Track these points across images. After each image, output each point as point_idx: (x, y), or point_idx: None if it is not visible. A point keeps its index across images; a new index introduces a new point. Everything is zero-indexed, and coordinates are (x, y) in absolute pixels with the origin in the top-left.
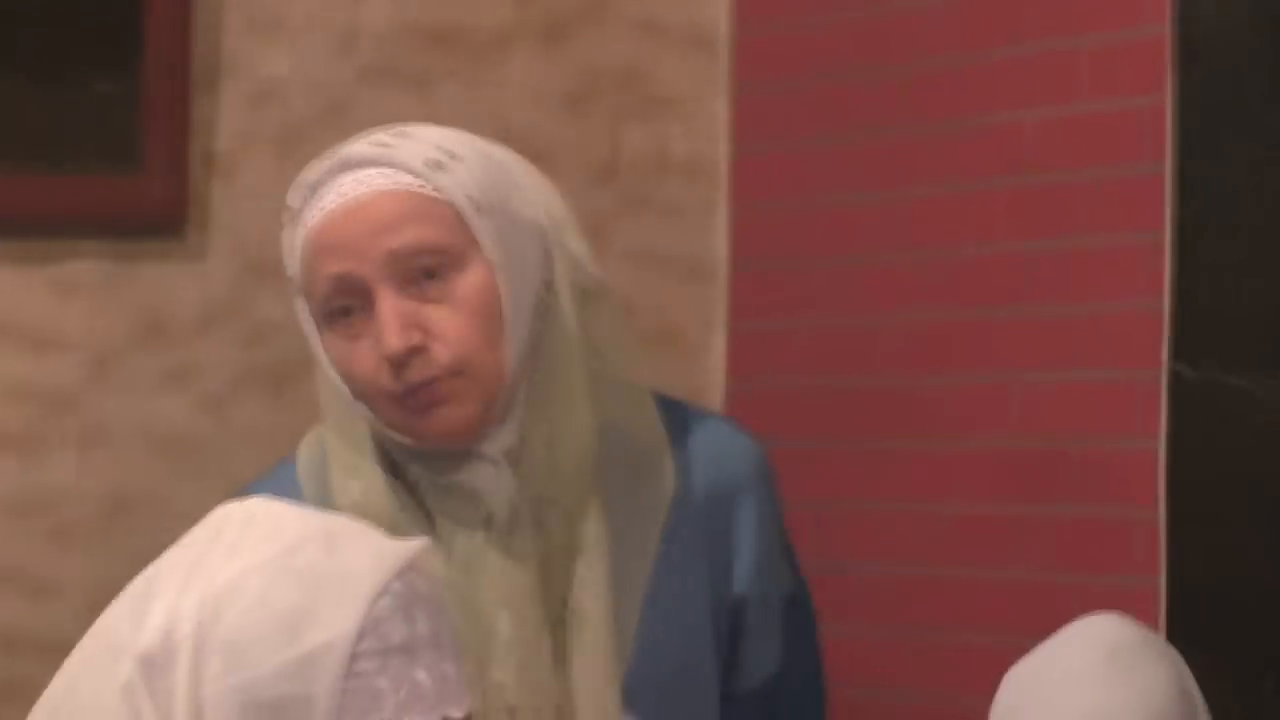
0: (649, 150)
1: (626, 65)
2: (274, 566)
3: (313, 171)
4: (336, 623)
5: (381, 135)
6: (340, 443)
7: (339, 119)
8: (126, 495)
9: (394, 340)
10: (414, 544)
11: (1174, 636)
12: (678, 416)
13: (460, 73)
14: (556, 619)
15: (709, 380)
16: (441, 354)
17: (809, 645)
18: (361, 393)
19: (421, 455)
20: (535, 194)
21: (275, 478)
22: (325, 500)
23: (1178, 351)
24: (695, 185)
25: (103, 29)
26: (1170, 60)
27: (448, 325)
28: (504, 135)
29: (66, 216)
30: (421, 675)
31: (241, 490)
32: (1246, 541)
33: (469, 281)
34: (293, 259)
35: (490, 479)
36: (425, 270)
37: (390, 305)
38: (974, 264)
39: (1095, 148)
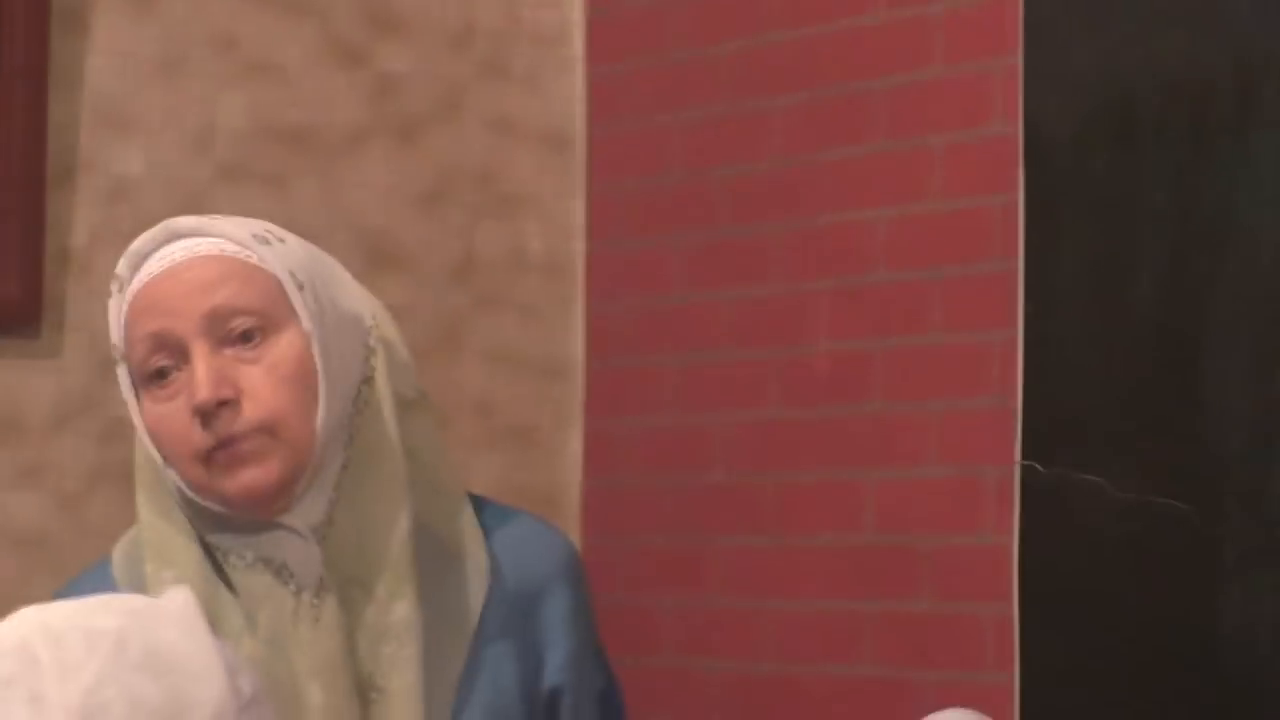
0: (505, 248)
1: (481, 164)
2: (117, 670)
3: (140, 242)
4: (209, 697)
5: (201, 216)
6: (154, 529)
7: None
8: None
9: (205, 391)
10: (186, 597)
11: None
12: (491, 515)
13: (316, 171)
14: (363, 697)
15: (565, 477)
16: (250, 411)
17: None
18: (171, 455)
19: (229, 525)
20: (359, 294)
21: (90, 578)
22: (139, 589)
23: (1029, 448)
24: (551, 283)
25: None
26: (1020, 159)
27: (259, 385)
28: (360, 233)
29: None
30: (269, 715)
31: (58, 593)
32: (1099, 634)
33: (283, 347)
34: (117, 326)
35: (298, 551)
36: (242, 333)
37: (204, 360)
38: (826, 361)
39: (946, 245)
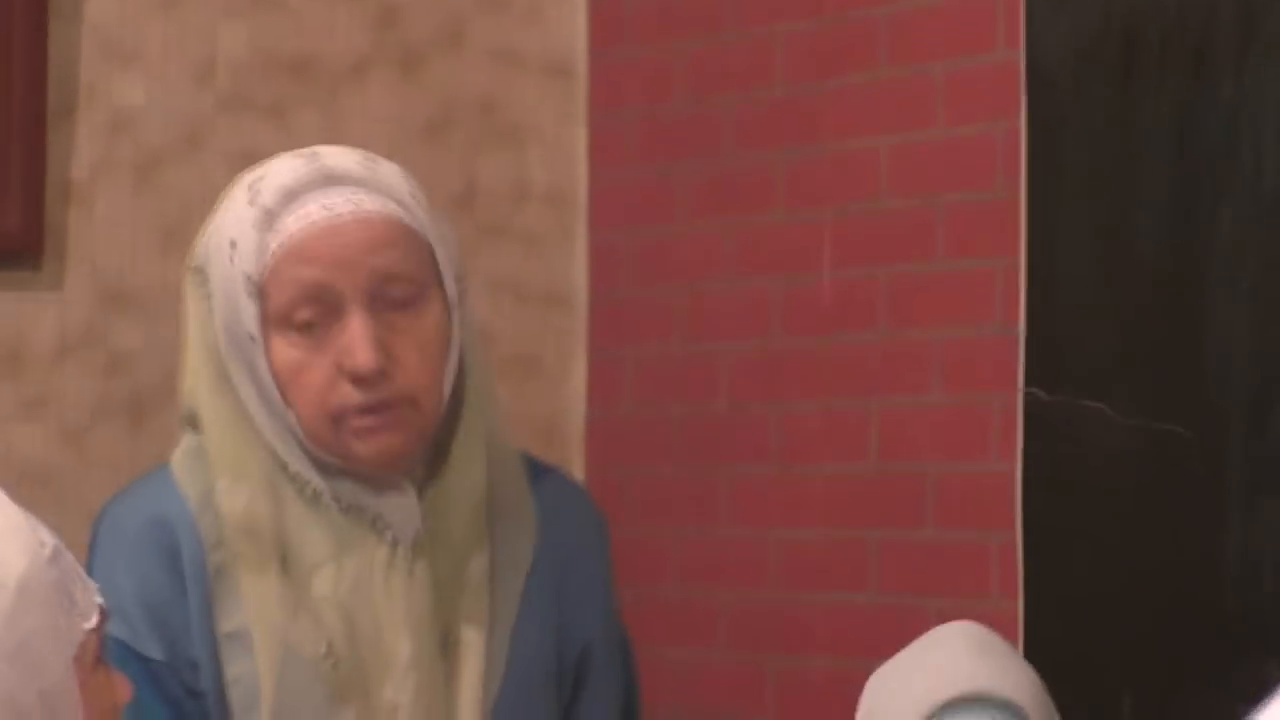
0: (507, 179)
1: (483, 94)
2: None
3: (289, 178)
4: (18, 552)
5: (354, 154)
6: (224, 441)
7: (196, 148)
8: None
9: (368, 358)
10: None
11: (1032, 658)
12: (532, 469)
13: (318, 101)
14: (439, 648)
15: (569, 407)
16: (403, 382)
17: (638, 689)
18: (299, 403)
19: (338, 473)
20: (455, 239)
21: (148, 485)
22: (205, 505)
23: (1032, 376)
24: (554, 213)
25: None
26: (1023, 86)
27: (410, 355)
28: None
29: None
30: (74, 562)
31: (111, 502)
32: (1103, 562)
33: (432, 318)
34: (258, 259)
35: (399, 506)
36: (397, 298)
37: (364, 323)
38: (830, 289)
39: (949, 173)
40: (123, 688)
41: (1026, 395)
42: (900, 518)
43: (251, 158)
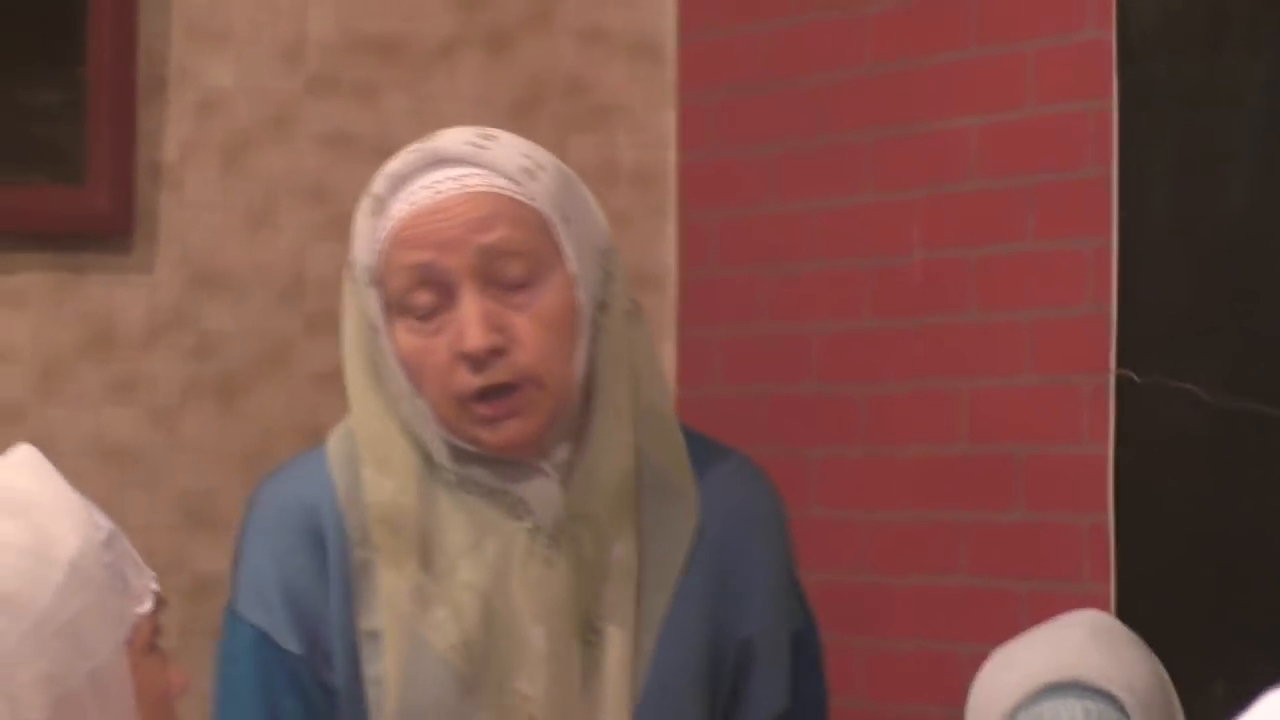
0: (596, 159)
1: (572, 74)
2: None
3: (400, 163)
4: (73, 532)
5: (468, 134)
6: (371, 429)
7: (284, 129)
8: None
9: (478, 338)
10: (28, 449)
11: None
12: (698, 450)
13: (406, 82)
14: (580, 638)
15: None
16: (521, 359)
17: (816, 681)
18: (426, 389)
19: (474, 458)
20: (598, 214)
21: (304, 466)
22: (353, 497)
23: (1123, 357)
24: (643, 194)
25: (47, 40)
26: (1115, 64)
27: (528, 332)
28: None
29: (12, 228)
30: (130, 548)
31: (268, 478)
32: (1196, 545)
33: (552, 292)
34: (370, 247)
35: (541, 492)
36: (511, 275)
37: (475, 303)
38: (920, 270)
39: (1040, 152)
40: (178, 676)
41: (1118, 377)
42: (990, 500)
43: (340, 139)
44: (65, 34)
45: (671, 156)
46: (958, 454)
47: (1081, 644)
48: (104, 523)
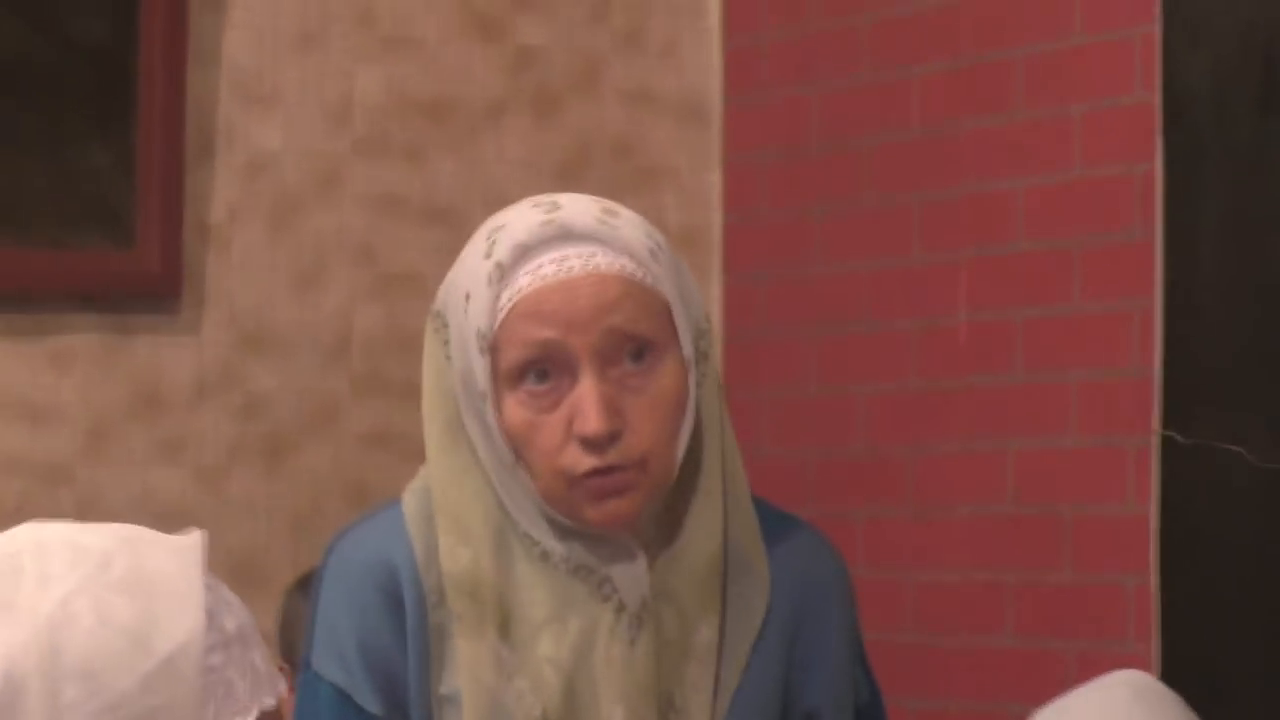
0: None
1: (618, 136)
2: (95, 586)
3: (524, 233)
4: (181, 625)
5: (594, 209)
6: (450, 503)
7: (332, 190)
8: None
9: (600, 423)
10: (196, 536)
11: None
12: (767, 520)
13: (453, 144)
14: (659, 714)
15: None
16: (634, 445)
17: None
18: (532, 462)
19: (567, 532)
20: (699, 293)
21: (381, 523)
22: (431, 559)
23: (1168, 418)
24: (689, 255)
25: (97, 102)
26: (1158, 126)
27: (643, 418)
28: (498, 205)
29: (62, 289)
30: (257, 659)
31: (345, 533)
32: (1239, 608)
33: (667, 378)
34: (488, 315)
35: (628, 570)
36: (631, 358)
37: (596, 386)
38: (965, 331)
39: (1084, 214)
40: None
41: (1163, 438)
42: (1037, 559)
43: (387, 200)
44: (115, 96)
45: (717, 218)
46: (1004, 514)
47: (1128, 706)
48: (231, 626)
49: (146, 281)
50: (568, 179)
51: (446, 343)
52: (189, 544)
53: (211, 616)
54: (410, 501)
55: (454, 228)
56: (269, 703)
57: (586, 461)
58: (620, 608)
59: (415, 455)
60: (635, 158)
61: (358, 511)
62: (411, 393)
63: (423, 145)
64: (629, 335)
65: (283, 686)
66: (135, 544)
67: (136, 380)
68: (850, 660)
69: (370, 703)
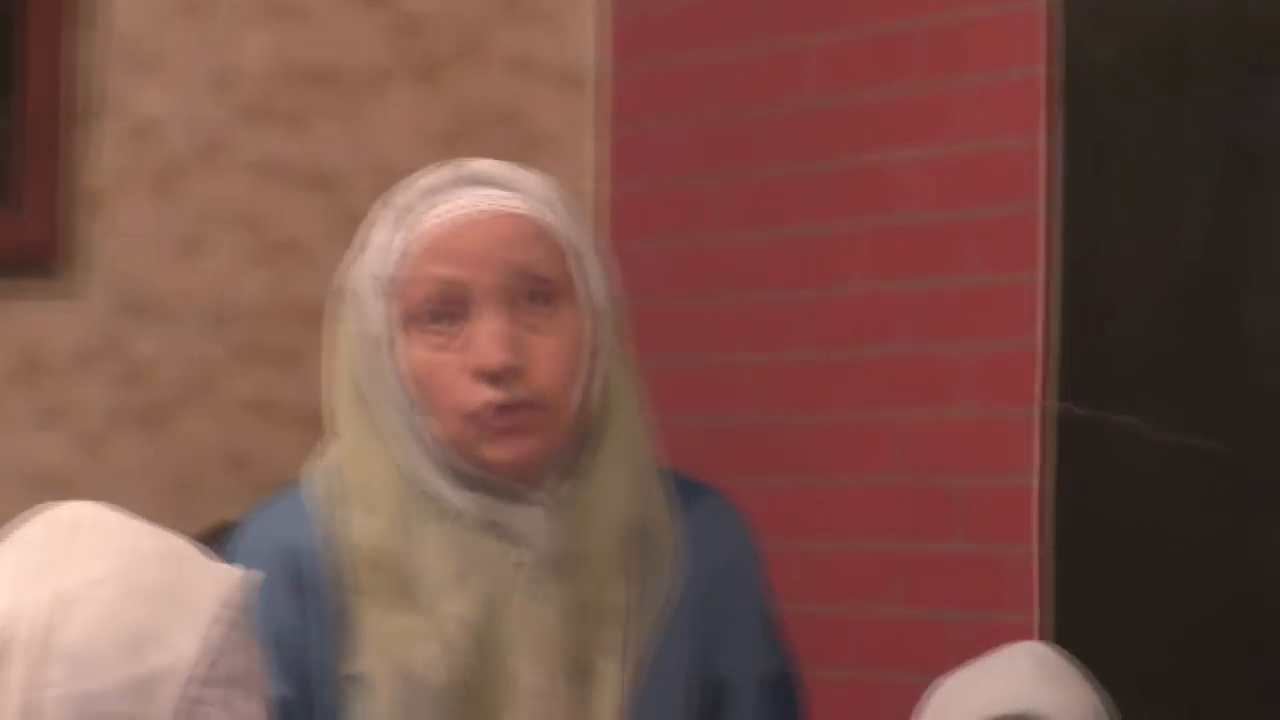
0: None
1: (502, 103)
2: (120, 581)
3: (432, 179)
4: (179, 646)
5: (500, 162)
6: (358, 464)
7: (217, 157)
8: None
9: (500, 355)
10: (245, 572)
11: None
12: (682, 490)
13: (338, 111)
14: (570, 675)
15: None
16: (535, 381)
17: None
18: (435, 405)
19: (471, 483)
20: (606, 261)
21: (283, 508)
22: (337, 534)
23: (1064, 389)
24: None
25: None
26: (1050, 101)
27: (545, 356)
28: (382, 172)
29: None
30: (254, 709)
31: (249, 520)
32: (1131, 579)
33: (568, 321)
34: (389, 258)
35: (535, 525)
36: (533, 297)
37: (496, 321)
38: (850, 302)
39: (979, 187)
40: None
41: (1059, 409)
42: (927, 529)
43: (272, 167)
44: None
45: (600, 187)
46: (894, 484)
47: (1031, 676)
48: (229, 669)
49: (28, 247)
50: (452, 146)
51: (347, 318)
52: (229, 578)
53: (218, 653)
54: (314, 482)
55: (338, 194)
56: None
57: (487, 395)
58: (527, 561)
59: (296, 424)
60: (520, 125)
61: (238, 479)
62: (294, 361)
63: (307, 112)
64: (530, 275)
65: None
66: (174, 558)
67: (17, 346)
68: (761, 630)
69: (279, 686)
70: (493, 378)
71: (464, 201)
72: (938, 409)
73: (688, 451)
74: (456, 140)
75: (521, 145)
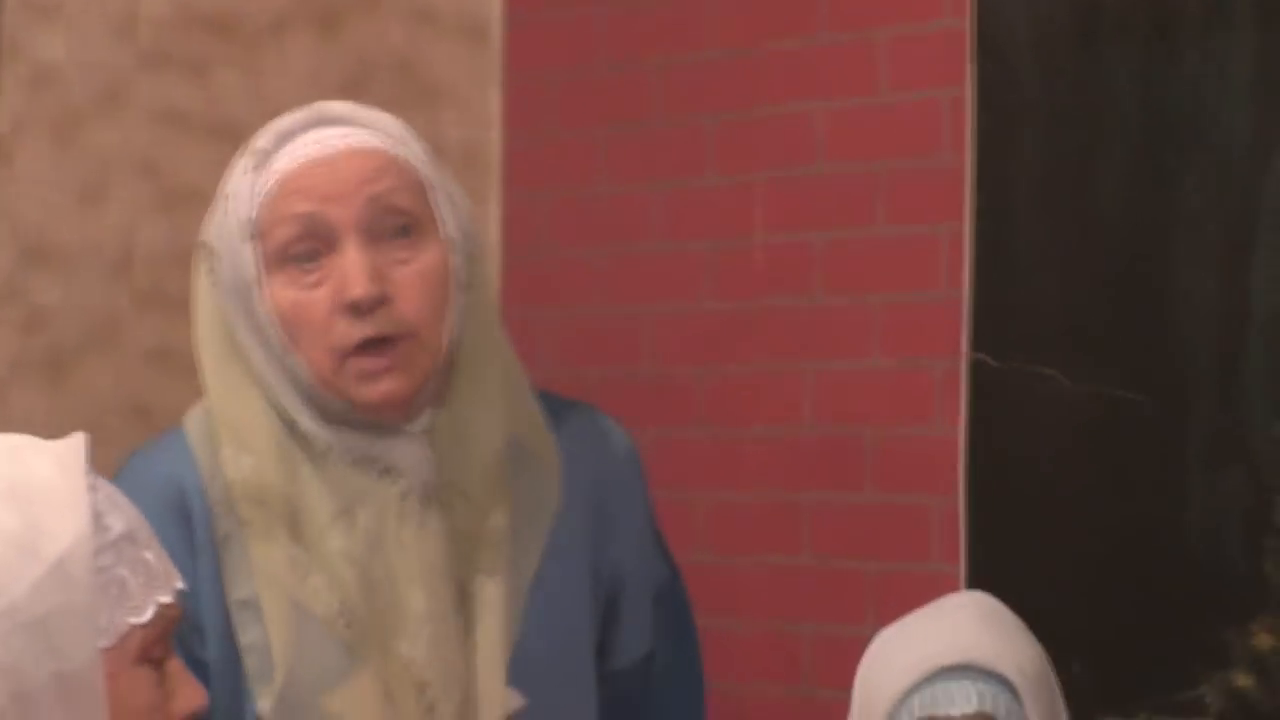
0: (423, 137)
1: (400, 53)
2: None
3: (287, 121)
4: (67, 529)
5: (354, 104)
6: (228, 407)
7: (117, 104)
8: None
9: (362, 284)
10: (78, 439)
11: None
12: (554, 409)
13: (238, 59)
14: (457, 601)
15: None
16: (402, 312)
17: (681, 630)
18: (304, 344)
19: (343, 422)
20: (465, 196)
21: (166, 445)
22: (216, 472)
23: (980, 341)
24: (468, 173)
25: None
26: (969, 54)
27: (411, 286)
28: None
29: None
30: (149, 556)
31: (131, 458)
32: (1050, 529)
33: (431, 252)
34: (251, 201)
35: (411, 456)
36: (396, 228)
37: (359, 253)
38: (762, 253)
39: (891, 139)
40: (189, 698)
41: (974, 361)
42: (836, 481)
43: (172, 115)
44: None
45: (497, 136)
46: (801, 435)
47: (973, 626)
48: (118, 525)
49: None
50: (350, 94)
51: (212, 269)
52: (70, 448)
53: (98, 517)
54: (191, 424)
55: (238, 142)
56: (164, 599)
57: (356, 331)
58: (406, 491)
59: (197, 372)
60: (416, 74)
61: (140, 428)
62: None
63: (207, 59)
64: (390, 208)
65: (179, 582)
66: (15, 452)
67: None
68: (647, 535)
69: None
70: (359, 310)
71: (319, 138)
72: (849, 361)
73: (599, 400)
74: (356, 90)
75: (418, 94)
